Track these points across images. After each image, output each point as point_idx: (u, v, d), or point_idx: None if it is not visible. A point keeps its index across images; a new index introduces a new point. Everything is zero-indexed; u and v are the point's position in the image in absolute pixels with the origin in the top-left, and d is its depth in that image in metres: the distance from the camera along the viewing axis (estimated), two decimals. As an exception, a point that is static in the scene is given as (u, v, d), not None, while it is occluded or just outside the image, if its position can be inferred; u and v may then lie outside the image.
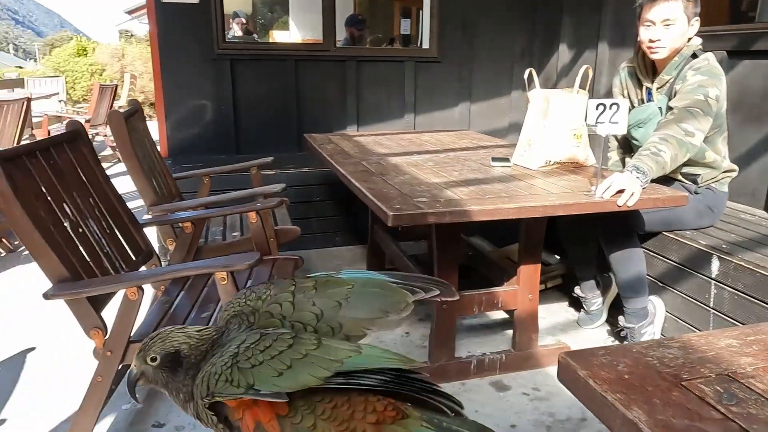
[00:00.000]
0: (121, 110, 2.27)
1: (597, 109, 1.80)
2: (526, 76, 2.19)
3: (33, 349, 2.27)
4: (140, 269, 1.89)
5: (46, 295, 1.42)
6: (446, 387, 1.42)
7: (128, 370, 1.05)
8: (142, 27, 26.87)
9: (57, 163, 1.69)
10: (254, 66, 3.77)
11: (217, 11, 3.60)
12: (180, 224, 2.12)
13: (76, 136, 1.82)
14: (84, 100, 9.73)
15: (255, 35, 6.96)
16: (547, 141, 2.09)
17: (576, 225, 2.26)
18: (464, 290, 2.03)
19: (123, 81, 7.43)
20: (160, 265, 2.01)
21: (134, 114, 2.41)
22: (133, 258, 1.88)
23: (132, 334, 1.51)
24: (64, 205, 1.64)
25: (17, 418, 1.84)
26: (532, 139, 2.14)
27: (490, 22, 4.17)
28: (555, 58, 4.03)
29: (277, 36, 7.62)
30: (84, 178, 1.80)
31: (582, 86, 2.08)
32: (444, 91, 4.20)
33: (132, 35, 25.12)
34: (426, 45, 4.22)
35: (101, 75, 10.14)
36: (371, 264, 2.97)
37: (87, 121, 5.99)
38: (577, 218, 2.00)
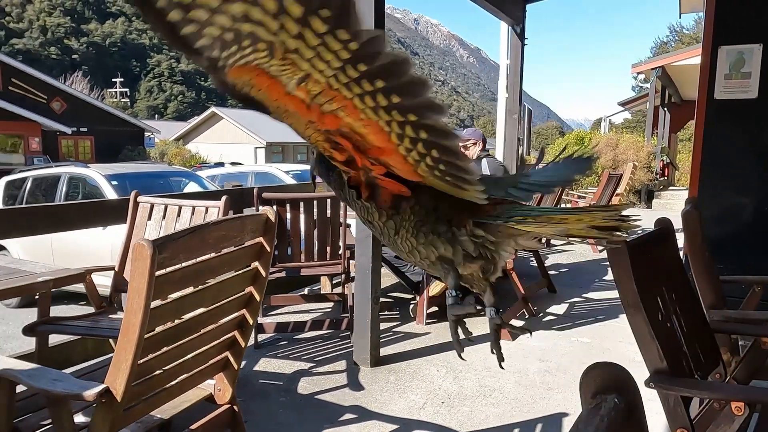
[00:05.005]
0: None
1: None
2: None
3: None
4: (712, 377, 1.81)
5: (647, 383, 1.49)
6: None
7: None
8: (619, 117, 27.71)
9: (651, 256, 1.81)
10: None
11: (777, 104, 3.30)
12: (741, 336, 1.95)
13: (666, 233, 1.92)
14: (581, 185, 10.60)
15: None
16: None
17: None
18: None
19: (623, 170, 7.73)
20: (724, 378, 1.88)
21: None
22: (702, 362, 1.82)
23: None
24: (657, 298, 1.72)
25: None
26: None
27: None
28: None
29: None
30: (669, 274, 1.87)
31: None
32: None
33: (611, 123, 26.31)
34: None
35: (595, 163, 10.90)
36: None
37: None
38: None
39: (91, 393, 1.29)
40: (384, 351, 3.16)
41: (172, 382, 1.58)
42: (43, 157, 21.84)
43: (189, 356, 1.59)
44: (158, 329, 1.41)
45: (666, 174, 13.42)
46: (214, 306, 1.59)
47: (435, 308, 3.90)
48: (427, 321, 3.71)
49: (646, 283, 1.68)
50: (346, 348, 3.23)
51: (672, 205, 11.05)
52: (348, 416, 2.47)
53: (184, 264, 1.37)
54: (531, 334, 0.99)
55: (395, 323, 3.72)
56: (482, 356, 3.18)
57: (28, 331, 2.26)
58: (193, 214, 2.80)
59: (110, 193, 5.91)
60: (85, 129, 25.88)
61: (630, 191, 10.22)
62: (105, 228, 5.33)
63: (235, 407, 1.85)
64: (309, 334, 3.45)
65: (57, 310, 5.35)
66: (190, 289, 1.49)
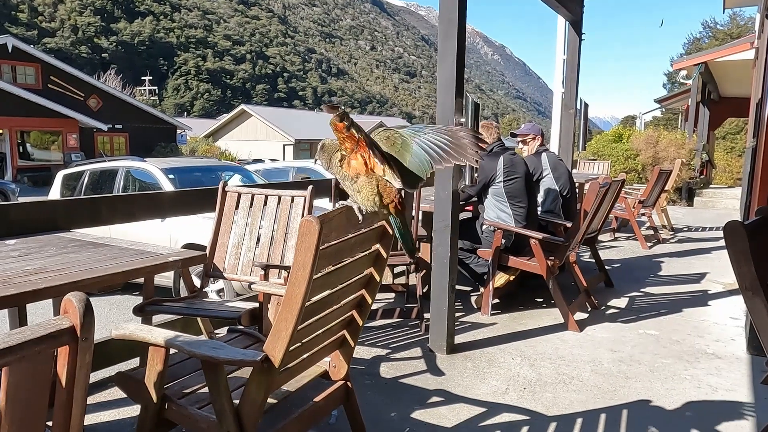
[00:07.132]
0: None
1: None
2: None
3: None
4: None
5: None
6: None
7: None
8: (648, 115, 27.29)
9: (760, 242, 1.84)
10: None
11: None
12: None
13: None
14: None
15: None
16: None
17: None
18: None
19: (663, 167, 7.65)
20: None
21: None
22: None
23: None
24: (769, 282, 1.76)
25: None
26: None
27: None
28: None
29: None
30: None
31: None
32: None
33: (642, 121, 25.93)
34: None
35: (635, 160, 10.80)
36: None
37: (640, 202, 6.45)
38: None
39: (254, 359, 1.39)
40: (456, 339, 3.23)
41: (304, 355, 1.68)
42: (78, 153, 22.39)
43: (320, 331, 1.68)
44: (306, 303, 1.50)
45: (704, 172, 13.21)
46: (345, 284, 1.68)
47: (497, 300, 3.96)
48: (492, 312, 3.77)
49: (760, 268, 1.72)
50: (417, 336, 3.31)
51: (714, 203, 10.90)
52: (435, 399, 2.55)
53: (334, 241, 1.46)
54: None
55: (460, 314, 3.78)
56: (554, 346, 3.23)
57: (138, 311, 2.39)
58: (279, 203, 2.90)
59: (168, 186, 6.09)
60: (120, 126, 26.46)
61: (672, 189, 10.09)
62: (164, 220, 5.52)
63: (348, 383, 1.95)
64: (379, 323, 3.54)
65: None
66: (330, 267, 1.58)
